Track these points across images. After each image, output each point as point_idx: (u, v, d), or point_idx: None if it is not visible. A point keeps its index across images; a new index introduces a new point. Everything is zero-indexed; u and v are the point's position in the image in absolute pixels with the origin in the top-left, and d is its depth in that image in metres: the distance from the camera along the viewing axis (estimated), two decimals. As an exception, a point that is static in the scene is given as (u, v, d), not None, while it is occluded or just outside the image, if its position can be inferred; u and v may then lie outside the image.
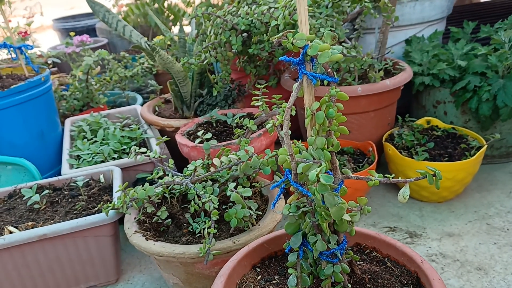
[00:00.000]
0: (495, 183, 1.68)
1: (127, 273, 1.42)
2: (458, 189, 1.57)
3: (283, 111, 1.26)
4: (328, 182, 0.60)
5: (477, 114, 1.69)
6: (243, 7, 1.55)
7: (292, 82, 1.78)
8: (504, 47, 1.68)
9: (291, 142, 0.71)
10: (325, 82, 1.33)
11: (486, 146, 1.53)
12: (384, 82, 1.62)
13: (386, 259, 0.91)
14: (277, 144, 1.70)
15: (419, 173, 0.70)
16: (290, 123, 0.69)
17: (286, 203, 0.82)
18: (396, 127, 1.77)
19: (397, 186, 1.71)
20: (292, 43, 0.60)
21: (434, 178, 0.68)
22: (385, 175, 0.71)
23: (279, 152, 0.71)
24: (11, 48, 1.80)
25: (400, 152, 1.58)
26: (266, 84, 1.30)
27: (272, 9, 1.37)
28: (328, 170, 0.68)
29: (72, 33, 3.08)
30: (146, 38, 1.65)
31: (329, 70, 0.62)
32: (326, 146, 0.67)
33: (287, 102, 1.09)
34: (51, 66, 2.95)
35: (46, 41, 3.23)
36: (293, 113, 1.26)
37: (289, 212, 0.78)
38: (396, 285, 0.84)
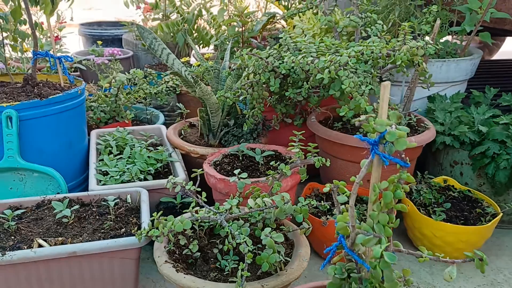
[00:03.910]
0: (504, 249, 1.73)
1: (142, 296, 1.45)
2: (469, 251, 1.62)
3: (318, 160, 1.31)
4: (392, 261, 0.65)
5: (493, 180, 1.75)
6: (285, 52, 1.61)
7: (318, 125, 1.84)
8: (525, 120, 1.76)
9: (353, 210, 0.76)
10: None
11: (501, 215, 1.59)
12: (409, 139, 1.69)
13: (413, 324, 0.95)
14: (299, 184, 1.74)
15: (466, 255, 0.75)
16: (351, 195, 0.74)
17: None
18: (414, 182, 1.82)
19: (409, 237, 1.75)
20: (372, 128, 0.66)
21: (480, 262, 0.73)
22: (435, 253, 0.76)
23: (338, 219, 0.76)
24: (52, 58, 1.84)
25: (419, 209, 1.63)
26: (302, 132, 1.35)
27: (316, 61, 1.43)
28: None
29: (99, 42, 3.15)
30: (185, 67, 1.71)
31: (403, 155, 0.67)
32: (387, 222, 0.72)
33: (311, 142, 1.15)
34: (72, 70, 3.00)
35: (68, 40, 3.29)
36: (328, 164, 1.32)
37: (335, 274, 0.83)
38: None
